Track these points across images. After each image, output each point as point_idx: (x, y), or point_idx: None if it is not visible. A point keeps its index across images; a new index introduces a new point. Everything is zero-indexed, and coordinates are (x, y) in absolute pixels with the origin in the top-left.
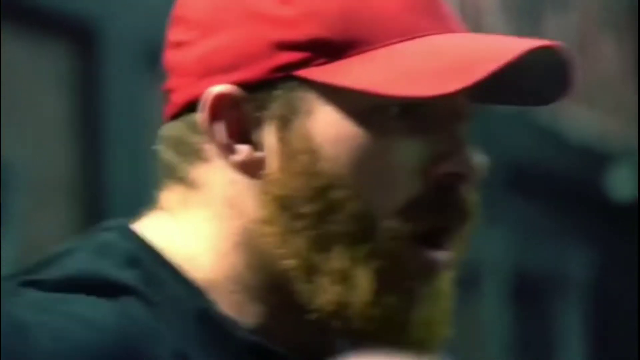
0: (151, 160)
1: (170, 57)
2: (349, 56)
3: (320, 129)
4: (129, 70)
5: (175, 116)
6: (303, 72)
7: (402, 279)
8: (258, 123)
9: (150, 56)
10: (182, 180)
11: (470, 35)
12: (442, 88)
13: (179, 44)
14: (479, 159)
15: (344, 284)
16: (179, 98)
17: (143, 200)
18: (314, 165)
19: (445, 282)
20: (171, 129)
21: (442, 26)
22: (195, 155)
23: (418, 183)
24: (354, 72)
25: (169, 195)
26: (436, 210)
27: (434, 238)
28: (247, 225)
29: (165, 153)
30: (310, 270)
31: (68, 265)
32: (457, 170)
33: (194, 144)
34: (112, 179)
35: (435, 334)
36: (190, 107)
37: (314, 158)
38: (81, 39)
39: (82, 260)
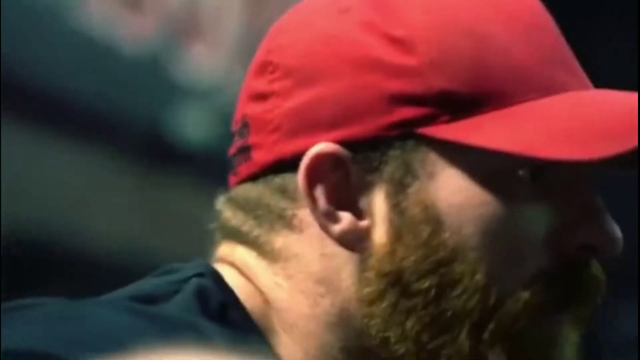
0: None
1: (252, 109)
2: (481, 113)
3: (444, 194)
4: None
5: (255, 177)
6: (427, 130)
7: (533, 354)
8: (365, 187)
9: None
10: (259, 248)
11: (605, 92)
12: (598, 152)
13: (265, 95)
14: (616, 230)
15: None
16: (262, 157)
17: None
18: (436, 237)
19: (573, 348)
20: (248, 190)
21: (577, 81)
22: (281, 222)
23: (547, 255)
24: (490, 131)
25: (237, 257)
26: (562, 288)
27: (557, 306)
28: (343, 305)
29: (234, 216)
30: (427, 357)
31: (167, 308)
32: (592, 243)
33: (280, 209)
34: None
35: None
36: (277, 167)
37: (436, 228)
38: None
39: (180, 307)
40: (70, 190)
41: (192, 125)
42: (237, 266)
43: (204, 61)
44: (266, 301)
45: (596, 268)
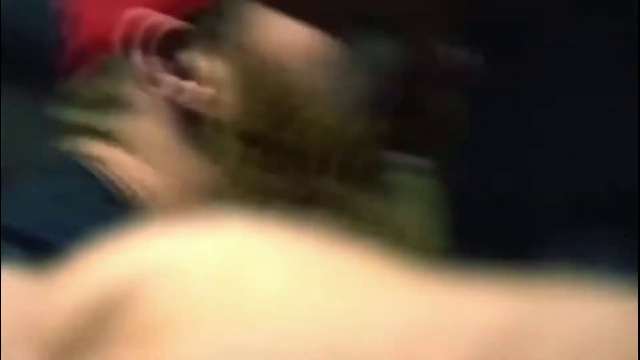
0: None
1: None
2: None
3: (277, 37)
4: None
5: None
6: None
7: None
8: (202, 53)
9: None
10: (113, 140)
11: None
12: None
13: None
14: (460, 54)
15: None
16: (80, 39)
17: None
18: (281, 83)
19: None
20: (83, 84)
21: None
22: (125, 108)
23: (382, 79)
24: None
25: (97, 152)
26: (401, 113)
27: (400, 141)
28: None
29: (72, 112)
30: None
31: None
32: (428, 64)
33: (122, 95)
34: None
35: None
36: (101, 46)
37: (278, 73)
38: None
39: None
40: None
41: None
42: (102, 162)
43: None
44: (144, 188)
45: (445, 99)
